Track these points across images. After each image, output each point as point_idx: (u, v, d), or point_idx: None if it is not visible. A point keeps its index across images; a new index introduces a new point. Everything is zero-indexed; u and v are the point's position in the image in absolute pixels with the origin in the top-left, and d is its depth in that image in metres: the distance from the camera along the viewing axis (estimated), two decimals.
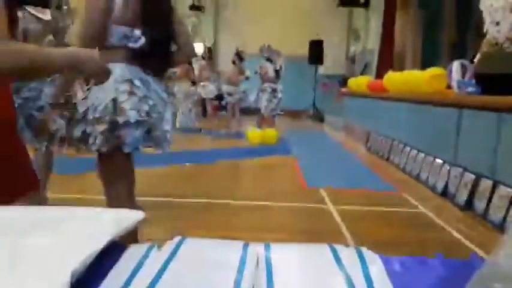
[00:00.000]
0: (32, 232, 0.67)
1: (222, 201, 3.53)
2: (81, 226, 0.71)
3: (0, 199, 1.04)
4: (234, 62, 8.47)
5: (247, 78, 8.13)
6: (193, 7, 14.19)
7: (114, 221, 0.77)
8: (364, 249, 0.77)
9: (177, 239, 0.79)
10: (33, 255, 0.62)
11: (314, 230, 2.92)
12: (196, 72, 9.02)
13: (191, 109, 9.04)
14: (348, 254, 0.73)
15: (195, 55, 1.96)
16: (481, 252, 2.52)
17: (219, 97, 9.26)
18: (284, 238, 2.57)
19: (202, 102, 8.75)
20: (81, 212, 0.76)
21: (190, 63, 9.21)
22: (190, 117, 9.02)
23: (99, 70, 1.14)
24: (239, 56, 8.21)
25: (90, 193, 3.45)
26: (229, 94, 8.21)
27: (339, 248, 0.77)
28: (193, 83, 9.24)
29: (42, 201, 2.63)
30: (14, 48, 1.02)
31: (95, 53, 1.12)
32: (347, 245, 0.81)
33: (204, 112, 8.83)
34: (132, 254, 0.72)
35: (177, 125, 9.00)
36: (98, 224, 0.73)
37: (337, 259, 0.71)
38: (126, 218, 0.80)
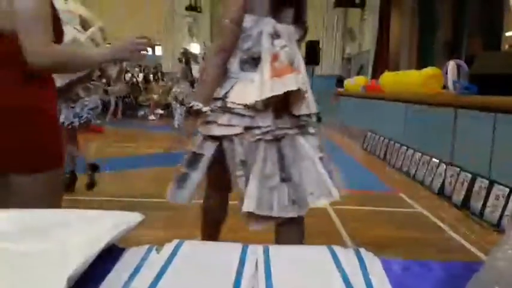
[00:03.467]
0: (30, 236, 0.66)
1: None
2: (80, 229, 0.71)
3: (19, 173, 1.23)
4: None
5: None
6: (190, 7, 14.19)
7: (112, 223, 0.76)
8: (363, 251, 0.77)
9: (175, 241, 0.79)
10: (30, 260, 0.62)
11: (311, 230, 2.92)
12: (196, 73, 9.00)
13: None
14: (346, 255, 0.73)
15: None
16: (477, 252, 2.53)
17: None
18: None
19: None
20: (80, 214, 0.76)
21: (188, 64, 9.21)
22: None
23: (135, 55, 1.36)
24: None
25: (89, 194, 3.44)
26: None
27: (337, 249, 0.77)
28: (192, 84, 9.22)
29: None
30: (73, 52, 1.37)
31: (125, 43, 1.35)
32: (345, 246, 0.81)
33: None
34: (130, 257, 0.72)
35: (175, 124, 9.02)
36: (96, 226, 0.73)
37: (336, 261, 0.71)
38: (124, 220, 0.79)
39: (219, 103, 1.60)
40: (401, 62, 9.51)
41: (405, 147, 5.04)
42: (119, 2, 15.00)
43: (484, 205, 3.17)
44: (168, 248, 0.74)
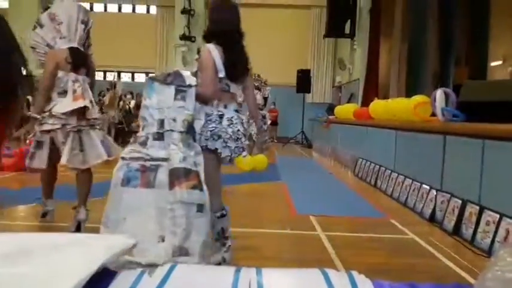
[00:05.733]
0: (23, 259, 0.66)
1: None
2: (73, 252, 0.71)
3: None
4: None
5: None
6: (184, 37, 14.46)
7: (104, 247, 0.76)
8: (355, 273, 0.78)
9: (168, 265, 0.79)
10: (23, 284, 0.61)
11: (304, 257, 2.90)
12: None
13: None
14: (339, 278, 0.74)
15: None
16: (469, 278, 2.52)
17: None
18: (274, 265, 2.54)
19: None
20: (73, 238, 0.76)
21: None
22: None
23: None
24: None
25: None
26: None
27: (330, 272, 0.77)
28: None
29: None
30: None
31: None
32: (338, 270, 0.82)
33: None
34: (123, 280, 0.72)
35: None
36: (89, 250, 0.73)
37: (329, 283, 0.71)
38: (117, 244, 0.79)
39: (47, 113, 3.03)
40: (390, 90, 9.70)
41: (396, 174, 5.08)
42: (115, 32, 15.24)
43: (475, 231, 3.18)
44: (160, 271, 0.74)
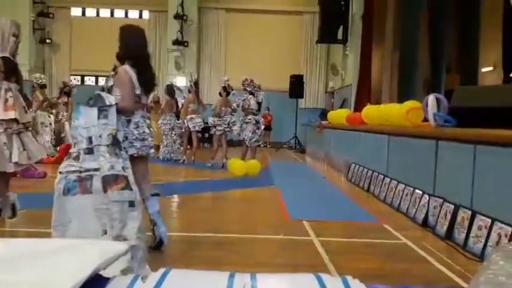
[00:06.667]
0: (15, 265, 0.65)
1: (205, 235, 3.47)
2: (65, 258, 0.70)
3: None
4: (220, 94, 8.59)
5: (234, 110, 8.21)
6: (177, 42, 14.46)
7: (98, 253, 0.75)
8: (349, 278, 0.78)
9: (161, 270, 0.78)
10: None
11: (297, 262, 2.90)
12: (184, 104, 9.16)
13: (175, 141, 9.15)
14: (333, 282, 0.74)
15: None
16: (462, 282, 2.53)
17: (202, 129, 9.40)
18: (267, 271, 2.54)
19: (189, 135, 8.81)
20: (66, 243, 0.75)
21: (172, 97, 9.36)
22: (173, 149, 9.11)
23: None
24: (227, 89, 8.31)
25: None
26: (215, 126, 8.25)
27: (324, 276, 0.77)
28: (177, 116, 9.37)
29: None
30: None
31: None
32: (332, 275, 0.81)
33: (191, 144, 8.90)
34: (116, 286, 0.71)
35: (160, 156, 9.05)
36: (81, 256, 0.72)
37: (323, 287, 0.71)
38: (109, 250, 0.79)
39: None
40: (382, 95, 9.77)
41: (388, 179, 5.10)
42: (108, 37, 15.17)
43: (467, 236, 3.20)
44: (153, 277, 0.74)
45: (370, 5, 10.71)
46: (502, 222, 2.90)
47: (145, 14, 16.03)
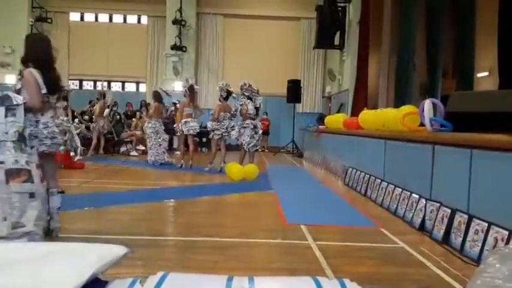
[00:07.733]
0: (15, 269, 0.65)
1: (202, 239, 3.47)
2: (64, 261, 0.70)
3: None
4: (220, 100, 8.59)
5: (233, 115, 8.20)
6: (175, 47, 14.49)
7: (96, 256, 0.76)
8: (347, 281, 0.78)
9: (160, 273, 0.78)
10: None
11: (295, 267, 2.90)
12: (179, 109, 9.20)
13: (160, 144, 9.19)
14: (331, 285, 0.74)
15: None
16: (459, 286, 2.54)
17: (200, 133, 9.43)
18: (265, 275, 2.53)
19: (185, 139, 8.82)
20: (64, 247, 0.75)
21: (161, 102, 9.45)
22: (159, 153, 9.17)
23: None
24: (226, 93, 8.30)
25: (65, 231, 3.34)
26: (213, 130, 8.24)
27: (321, 280, 0.78)
28: (171, 120, 9.43)
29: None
30: None
31: None
32: (330, 278, 0.82)
33: (186, 148, 8.91)
34: None
35: (148, 160, 9.12)
36: (80, 259, 0.72)
37: None
38: (108, 253, 0.79)
39: None
40: (379, 100, 9.81)
41: (385, 183, 5.11)
42: (106, 42, 15.21)
43: (464, 240, 3.21)
44: (152, 280, 0.74)
45: (366, 11, 10.77)
46: (498, 226, 2.91)
47: (144, 19, 16.05)
